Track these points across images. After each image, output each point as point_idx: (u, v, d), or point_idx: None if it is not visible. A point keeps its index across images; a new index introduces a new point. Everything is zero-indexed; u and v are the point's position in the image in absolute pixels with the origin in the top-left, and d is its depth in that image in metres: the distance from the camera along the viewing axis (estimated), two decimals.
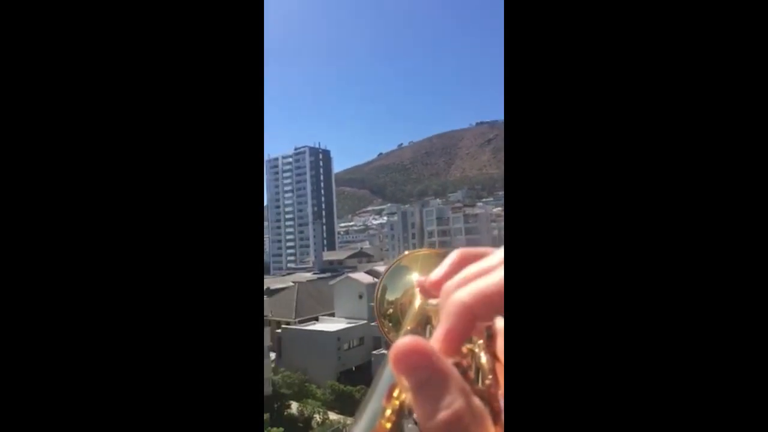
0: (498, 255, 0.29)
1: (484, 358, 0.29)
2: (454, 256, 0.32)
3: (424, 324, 0.35)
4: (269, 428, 15.82)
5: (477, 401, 0.23)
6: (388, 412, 0.24)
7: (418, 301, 0.38)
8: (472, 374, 0.27)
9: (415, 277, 0.42)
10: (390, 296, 0.46)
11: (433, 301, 0.33)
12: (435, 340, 0.28)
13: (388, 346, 0.26)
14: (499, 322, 0.30)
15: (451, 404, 0.21)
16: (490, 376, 0.27)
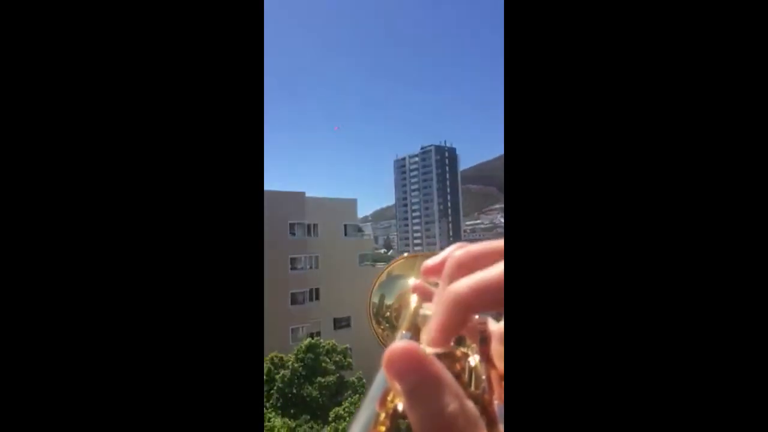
0: (498, 248, 0.29)
1: (478, 363, 0.28)
2: (452, 247, 0.32)
3: (419, 328, 0.34)
4: None
5: (471, 405, 0.23)
6: (383, 416, 0.24)
7: (413, 305, 0.38)
8: (465, 378, 0.27)
9: (410, 281, 0.41)
10: (385, 300, 0.46)
11: (427, 308, 0.33)
12: (428, 330, 0.28)
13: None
14: (494, 326, 0.30)
15: (444, 408, 0.21)
16: (484, 379, 0.27)
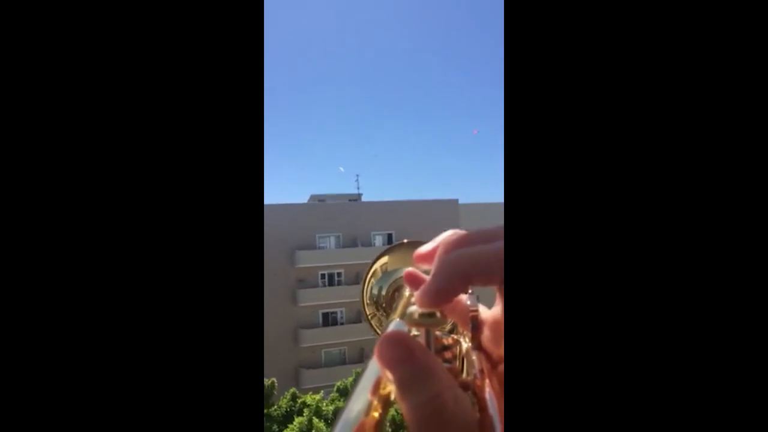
0: (497, 227, 0.29)
1: (469, 349, 0.28)
2: (446, 233, 0.32)
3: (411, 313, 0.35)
4: None
5: (461, 393, 0.23)
6: (376, 403, 0.24)
7: (406, 293, 0.37)
8: (457, 365, 0.27)
9: (404, 269, 0.40)
10: (381, 289, 0.45)
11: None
12: (422, 292, 0.27)
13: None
14: (485, 313, 0.30)
15: (435, 397, 0.21)
16: (476, 367, 0.27)
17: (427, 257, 0.32)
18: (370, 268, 0.47)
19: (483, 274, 0.27)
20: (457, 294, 0.28)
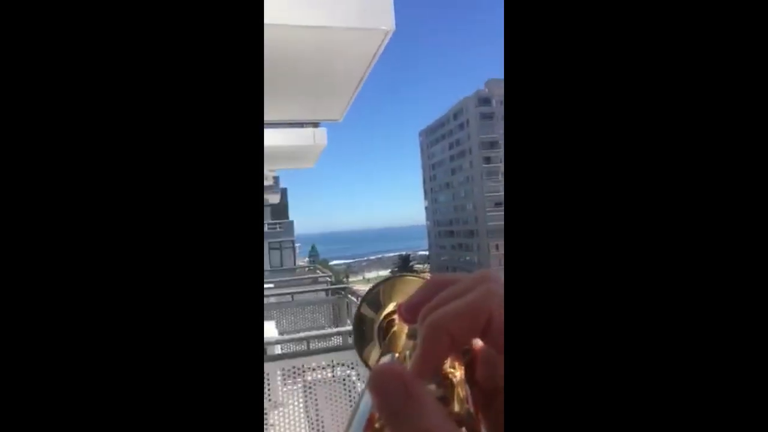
0: (469, 278, 0.29)
1: (463, 383, 0.28)
2: (427, 283, 0.32)
3: (404, 348, 0.34)
4: None
5: (455, 428, 0.23)
6: None
7: (397, 326, 0.37)
8: (452, 400, 0.27)
9: (395, 303, 0.40)
10: (371, 321, 0.45)
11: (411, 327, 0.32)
12: (412, 363, 0.28)
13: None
14: (478, 346, 0.30)
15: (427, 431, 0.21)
16: (471, 402, 0.27)
17: (410, 315, 0.31)
18: (362, 300, 0.47)
19: (464, 333, 0.27)
20: (447, 355, 0.28)
